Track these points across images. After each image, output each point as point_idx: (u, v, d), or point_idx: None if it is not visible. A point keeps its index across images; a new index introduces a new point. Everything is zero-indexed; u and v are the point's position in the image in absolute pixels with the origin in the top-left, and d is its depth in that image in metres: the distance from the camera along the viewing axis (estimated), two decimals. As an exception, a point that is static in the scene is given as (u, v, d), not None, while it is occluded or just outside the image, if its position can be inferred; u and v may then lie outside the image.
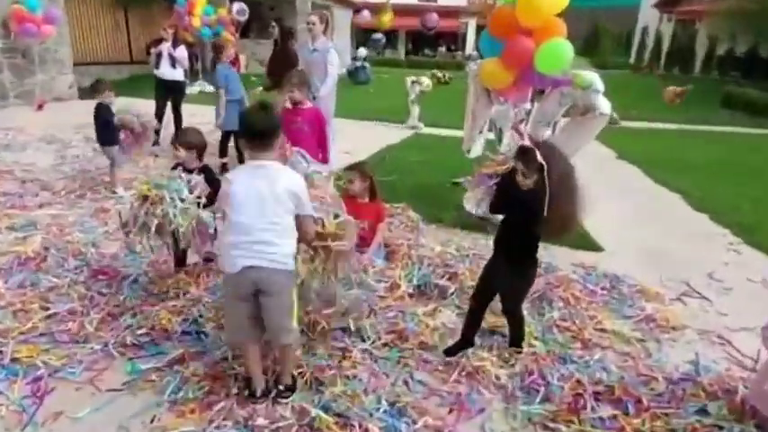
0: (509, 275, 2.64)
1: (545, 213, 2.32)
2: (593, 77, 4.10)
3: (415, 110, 9.77)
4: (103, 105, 4.96)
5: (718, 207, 5.59)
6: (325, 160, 4.29)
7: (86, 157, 6.28)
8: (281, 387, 2.38)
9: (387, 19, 23.23)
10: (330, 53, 5.48)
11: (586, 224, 4.70)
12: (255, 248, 2.13)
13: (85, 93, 11.10)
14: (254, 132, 2.19)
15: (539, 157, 2.31)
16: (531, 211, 2.38)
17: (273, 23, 6.38)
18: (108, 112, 4.95)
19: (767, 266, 4.22)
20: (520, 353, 2.76)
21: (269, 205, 2.13)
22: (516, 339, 2.82)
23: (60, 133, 7.42)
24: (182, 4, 12.54)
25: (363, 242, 3.66)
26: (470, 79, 4.91)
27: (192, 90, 11.77)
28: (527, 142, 2.51)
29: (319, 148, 4.27)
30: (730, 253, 4.50)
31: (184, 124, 7.38)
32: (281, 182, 2.15)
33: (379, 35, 24.86)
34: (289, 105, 4.21)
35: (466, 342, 2.78)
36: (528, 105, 4.73)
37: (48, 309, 2.94)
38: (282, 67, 5.93)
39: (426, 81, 9.84)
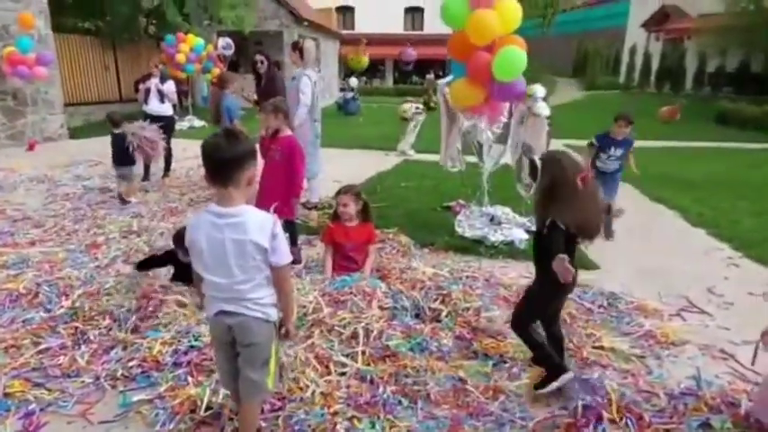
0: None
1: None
2: (536, 87, 4.52)
3: (411, 137, 9.86)
4: (119, 135, 5.89)
5: (715, 222, 5.58)
6: (294, 191, 4.09)
7: (76, 195, 6.30)
8: None
9: (360, 60, 23.87)
10: (302, 80, 5.40)
11: (582, 243, 4.72)
12: (230, 297, 1.96)
13: (76, 132, 11.40)
14: (209, 160, 1.87)
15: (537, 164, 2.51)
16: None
17: (262, 58, 6.40)
18: (124, 141, 5.87)
19: (768, 279, 4.18)
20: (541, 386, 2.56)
21: (236, 262, 1.89)
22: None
23: (51, 172, 7.47)
24: (169, 43, 12.79)
25: (354, 264, 3.65)
26: (439, 96, 5.16)
27: (181, 125, 11.97)
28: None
29: (288, 178, 4.02)
30: (730, 267, 4.47)
31: (176, 159, 7.44)
32: (248, 233, 1.86)
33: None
34: (263, 133, 4.19)
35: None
36: (503, 119, 4.81)
37: (39, 344, 2.91)
38: (269, 97, 5.98)
39: (420, 117, 9.98)
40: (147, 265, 3.67)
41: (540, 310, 2.69)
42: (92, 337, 2.98)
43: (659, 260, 4.53)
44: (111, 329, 3.05)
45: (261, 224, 1.89)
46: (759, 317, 3.44)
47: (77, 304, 3.29)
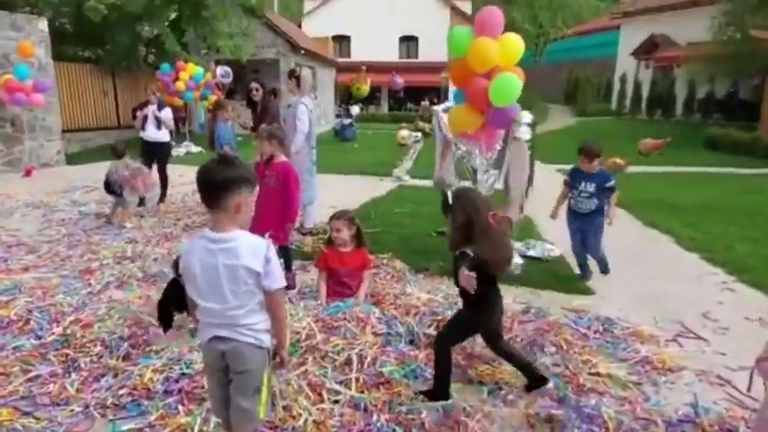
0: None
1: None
2: (523, 113, 4.61)
3: (409, 164, 9.97)
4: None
5: (709, 247, 5.59)
6: (290, 216, 4.12)
7: (72, 221, 6.30)
8: None
9: (359, 87, 24.22)
10: (299, 108, 5.48)
11: (577, 268, 4.73)
12: (223, 323, 1.95)
13: (73, 158, 11.53)
14: (200, 183, 1.89)
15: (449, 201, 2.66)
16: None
17: (257, 86, 6.50)
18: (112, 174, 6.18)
19: (763, 304, 4.18)
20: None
21: (228, 288, 1.89)
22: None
23: (47, 198, 7.48)
24: (165, 72, 12.96)
25: (349, 290, 3.64)
26: (435, 122, 5.26)
27: (178, 151, 12.10)
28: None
29: (283, 204, 4.05)
30: (724, 292, 4.47)
31: (172, 185, 7.47)
32: (241, 258, 1.86)
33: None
34: (257, 158, 4.21)
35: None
36: (498, 146, 4.88)
37: (29, 372, 2.87)
38: (262, 119, 6.08)
39: (419, 144, 10.17)
40: (166, 317, 3.34)
41: (463, 335, 2.87)
42: (82, 365, 2.94)
43: (654, 285, 4.54)
44: (102, 357, 3.02)
45: (253, 249, 1.90)
46: (755, 342, 3.41)
47: (69, 331, 3.26)
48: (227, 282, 1.89)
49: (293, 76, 5.70)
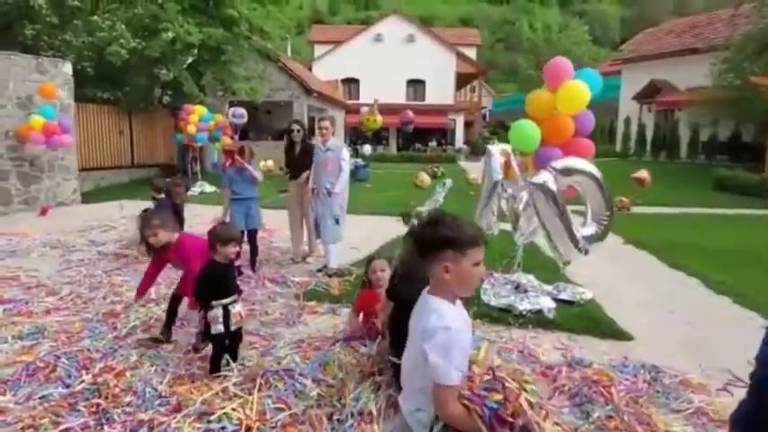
0: None
1: None
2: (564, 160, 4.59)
3: (432, 205, 10.00)
4: (162, 201, 6.19)
5: (740, 289, 5.46)
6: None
7: (91, 261, 6.23)
8: None
9: (376, 120, 24.45)
10: (343, 151, 5.87)
11: (610, 312, 4.62)
12: None
13: (86, 197, 11.58)
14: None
15: None
16: None
17: (298, 127, 6.44)
18: (169, 206, 5.98)
19: (806, 350, 4.04)
20: None
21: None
22: None
23: (64, 238, 7.43)
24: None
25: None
26: (494, 163, 5.08)
27: (193, 191, 12.25)
28: None
29: None
30: (764, 337, 4.33)
31: (189, 225, 7.45)
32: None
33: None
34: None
35: None
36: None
37: (59, 424, 2.74)
38: (303, 160, 6.26)
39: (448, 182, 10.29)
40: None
41: None
42: (115, 417, 2.81)
43: (691, 329, 4.41)
44: (136, 407, 2.89)
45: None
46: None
47: (100, 379, 3.15)
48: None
49: (333, 123, 6.04)
